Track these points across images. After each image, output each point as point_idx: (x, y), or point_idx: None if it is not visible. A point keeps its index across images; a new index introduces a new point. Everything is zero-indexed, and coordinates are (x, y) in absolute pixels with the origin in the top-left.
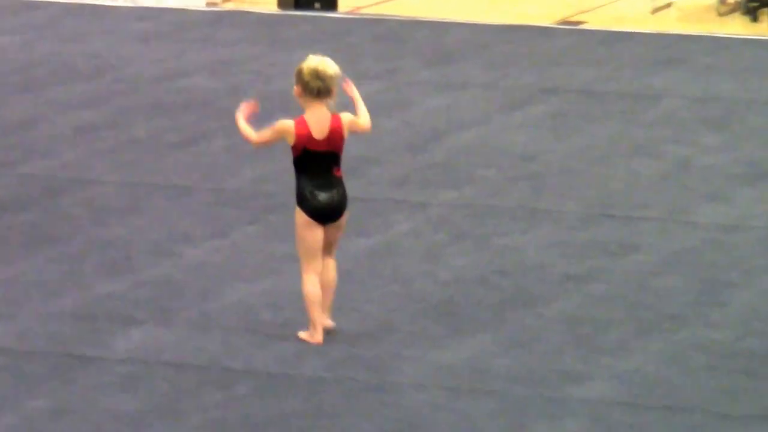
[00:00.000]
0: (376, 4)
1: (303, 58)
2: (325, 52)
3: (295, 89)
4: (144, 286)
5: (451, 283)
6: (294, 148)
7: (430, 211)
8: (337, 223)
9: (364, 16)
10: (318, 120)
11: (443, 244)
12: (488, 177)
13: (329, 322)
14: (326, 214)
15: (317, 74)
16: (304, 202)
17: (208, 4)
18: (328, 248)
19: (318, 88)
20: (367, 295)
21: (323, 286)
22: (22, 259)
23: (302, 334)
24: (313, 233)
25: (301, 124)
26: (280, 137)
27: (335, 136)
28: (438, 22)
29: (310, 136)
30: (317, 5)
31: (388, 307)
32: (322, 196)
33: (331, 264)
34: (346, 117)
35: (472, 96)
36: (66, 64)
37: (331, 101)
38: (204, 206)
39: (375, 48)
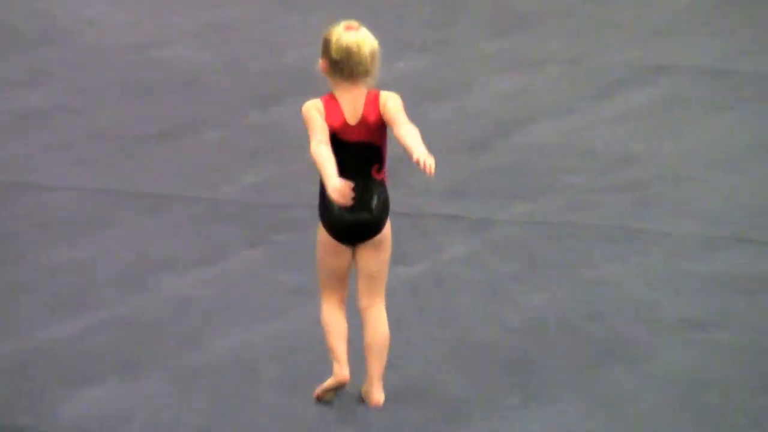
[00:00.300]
0: None
1: (329, 23)
2: (354, 16)
3: (321, 63)
4: (106, 328)
5: (523, 329)
6: None
7: (494, 231)
8: (374, 243)
9: None
10: (351, 100)
11: (512, 277)
12: (573, 185)
13: (376, 397)
14: (353, 232)
15: (350, 54)
16: (325, 213)
17: None
18: (368, 284)
19: (351, 69)
20: (410, 344)
21: (368, 346)
22: None
23: (320, 390)
24: (335, 257)
25: (330, 101)
26: (321, 119)
27: (372, 120)
28: None
29: (341, 119)
30: None
31: (437, 362)
32: (349, 208)
33: (376, 313)
34: (385, 96)
35: (552, 76)
36: (2, 27)
37: (370, 80)
38: (189, 221)
39: (421, 10)
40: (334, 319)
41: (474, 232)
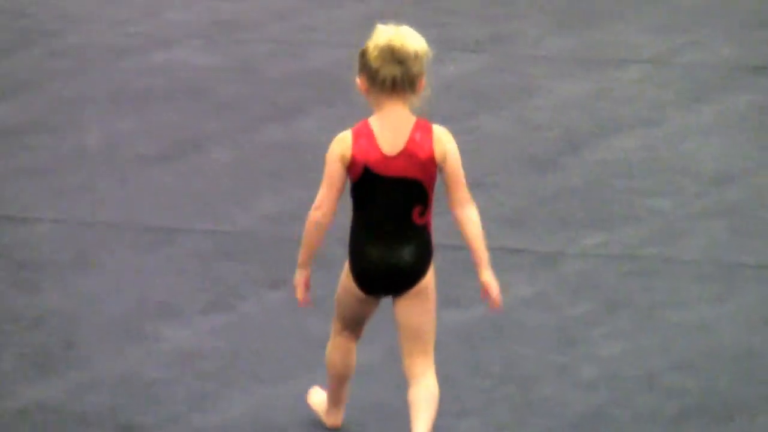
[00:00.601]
0: None
1: (360, 18)
2: (392, 10)
3: (359, 81)
4: (98, 387)
5: (601, 384)
6: (351, 167)
7: (564, 265)
8: (412, 293)
9: None
10: (392, 126)
11: (586, 320)
12: (659, 210)
13: None
14: (378, 282)
15: (392, 54)
16: (351, 255)
17: None
18: (413, 344)
19: (393, 78)
20: (464, 400)
21: (413, 405)
22: None
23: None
24: (356, 304)
25: (363, 131)
26: (339, 172)
27: (418, 154)
28: None
29: (376, 150)
30: None
31: (498, 422)
32: (375, 253)
33: (423, 376)
34: (440, 132)
35: (633, 79)
36: None
37: (415, 98)
38: (196, 259)
39: (473, 1)
40: (340, 359)
41: (540, 268)
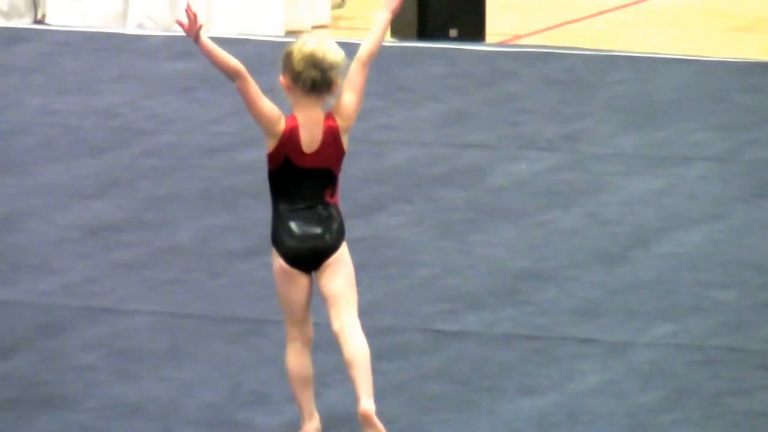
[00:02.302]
0: (546, 30)
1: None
2: (468, 109)
3: (282, 79)
4: None
5: None
6: (272, 156)
7: (634, 355)
8: (330, 263)
9: (528, 50)
10: (309, 123)
11: (654, 409)
12: (725, 303)
13: (365, 406)
14: (307, 257)
15: (313, 62)
16: (277, 239)
17: (288, 33)
18: (337, 305)
19: (313, 81)
20: None
21: (349, 363)
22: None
23: None
24: (291, 284)
25: (291, 125)
26: (263, 117)
27: (330, 146)
28: (643, 57)
29: (297, 143)
30: (453, 32)
31: None
32: (301, 230)
33: (351, 333)
34: (338, 109)
35: (700, 176)
36: (67, 129)
37: (331, 98)
38: (284, 349)
39: (546, 99)
40: (298, 363)
41: (610, 357)
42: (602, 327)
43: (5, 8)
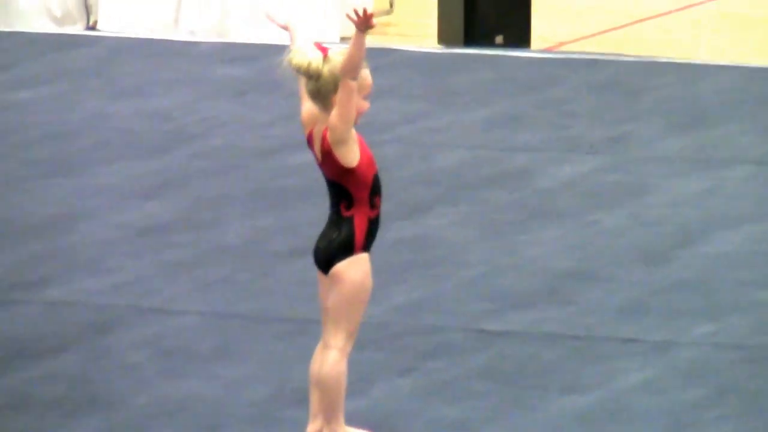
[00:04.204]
0: (591, 36)
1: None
2: (515, 112)
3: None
4: None
5: None
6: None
7: (676, 354)
8: (330, 278)
9: (574, 56)
10: (318, 134)
11: (697, 405)
12: (766, 301)
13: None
14: (316, 260)
15: (299, 71)
16: None
17: (342, 40)
18: (325, 317)
19: (309, 91)
20: None
21: (311, 382)
22: (56, 430)
23: None
24: (318, 283)
25: (310, 131)
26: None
27: (327, 158)
28: (687, 64)
29: (314, 152)
30: (499, 39)
31: None
32: (320, 234)
33: (321, 356)
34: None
35: (742, 177)
36: (119, 132)
37: (329, 108)
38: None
39: (592, 105)
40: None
41: (653, 355)
42: (645, 326)
43: (58, 15)
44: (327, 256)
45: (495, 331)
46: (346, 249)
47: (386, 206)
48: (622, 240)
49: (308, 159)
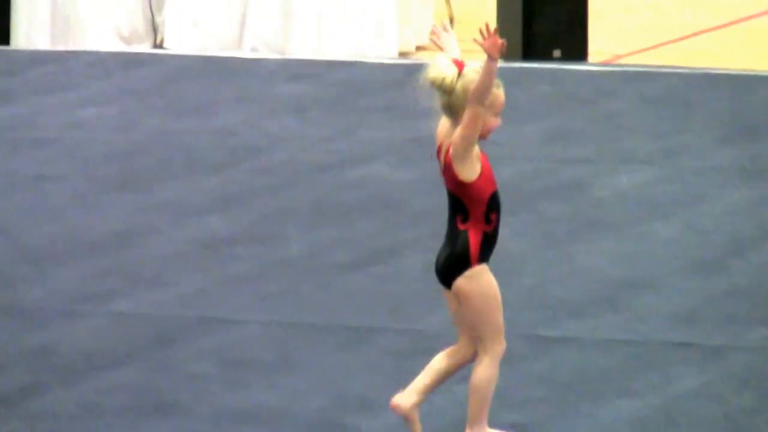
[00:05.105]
0: (646, 50)
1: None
2: (572, 126)
3: None
4: None
5: None
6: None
7: (731, 359)
8: (455, 293)
9: (629, 69)
10: (444, 148)
11: (752, 411)
12: None
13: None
14: (437, 274)
15: (433, 85)
16: None
17: (401, 55)
18: (461, 329)
19: (442, 105)
20: None
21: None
22: None
23: None
24: (445, 297)
25: (439, 142)
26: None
27: (448, 169)
28: (742, 76)
29: (439, 162)
30: (557, 53)
31: None
32: (439, 251)
33: (475, 364)
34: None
35: None
36: (183, 148)
37: (456, 124)
38: (391, 356)
39: (647, 117)
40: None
41: (708, 361)
42: (699, 332)
43: (126, 33)
44: (445, 271)
45: (552, 338)
46: (462, 263)
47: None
48: (676, 249)
49: (367, 172)
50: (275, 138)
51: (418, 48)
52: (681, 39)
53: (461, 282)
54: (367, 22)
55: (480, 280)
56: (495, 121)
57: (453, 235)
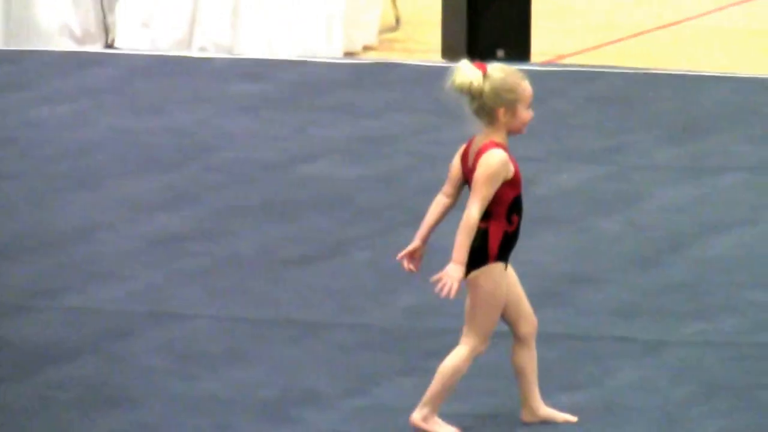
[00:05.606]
0: (589, 50)
1: None
2: None
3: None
4: None
5: None
6: None
7: (668, 353)
8: (467, 284)
9: (572, 68)
10: (475, 144)
11: (687, 402)
12: (757, 303)
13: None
14: None
15: (461, 91)
16: None
17: (345, 54)
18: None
19: (474, 110)
20: None
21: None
22: (75, 431)
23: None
24: None
25: (466, 145)
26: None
27: (473, 170)
28: (683, 75)
29: (465, 161)
30: (501, 53)
31: None
32: None
33: (454, 350)
34: (485, 154)
35: (733, 185)
36: (137, 146)
37: (492, 120)
38: (337, 350)
39: (590, 116)
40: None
41: (646, 354)
42: (638, 326)
43: (78, 33)
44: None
45: (496, 332)
46: (481, 258)
47: (393, 214)
48: (618, 245)
49: (318, 170)
50: (227, 136)
51: (366, 48)
52: (623, 39)
53: (475, 275)
54: (315, 23)
55: (492, 279)
56: (527, 114)
57: (474, 231)
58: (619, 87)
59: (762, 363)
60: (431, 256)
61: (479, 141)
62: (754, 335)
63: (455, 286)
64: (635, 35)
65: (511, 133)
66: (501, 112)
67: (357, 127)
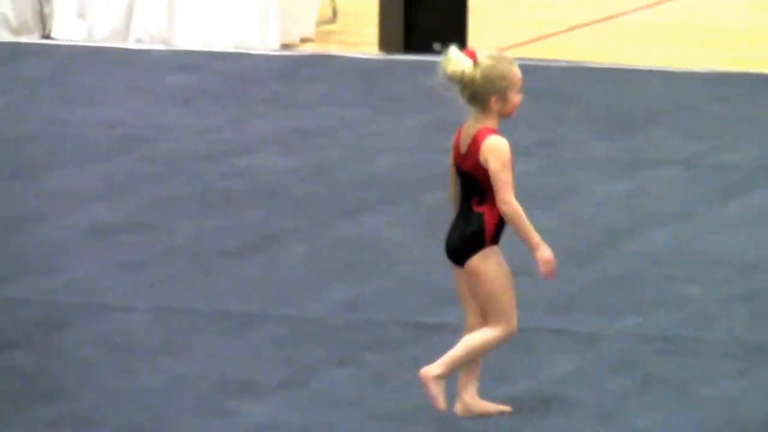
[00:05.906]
0: (526, 43)
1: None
2: (452, 118)
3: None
4: None
5: None
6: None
7: (603, 346)
8: (466, 272)
9: None
10: (466, 130)
11: (623, 395)
12: (689, 297)
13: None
14: (448, 252)
15: (453, 79)
16: None
17: (283, 46)
18: (471, 306)
19: (467, 98)
20: None
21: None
22: (7, 424)
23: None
24: (454, 274)
25: (458, 131)
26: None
27: (472, 155)
28: (618, 69)
29: (457, 147)
30: (437, 46)
31: None
32: (450, 228)
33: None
34: (489, 143)
35: (667, 179)
36: (72, 138)
37: (486, 106)
38: (273, 342)
39: (525, 109)
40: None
41: (581, 347)
42: (573, 320)
43: (15, 24)
44: (458, 249)
45: (432, 324)
46: (477, 243)
47: (327, 206)
48: (552, 239)
49: (251, 162)
50: (162, 127)
51: (303, 40)
52: (558, 33)
53: (475, 260)
54: (251, 15)
55: (493, 261)
56: (517, 98)
57: (467, 215)
58: (554, 81)
59: (696, 357)
60: (365, 249)
61: (472, 127)
62: (689, 329)
63: (554, 262)
64: (570, 29)
65: (501, 117)
66: (493, 99)
67: (293, 120)
